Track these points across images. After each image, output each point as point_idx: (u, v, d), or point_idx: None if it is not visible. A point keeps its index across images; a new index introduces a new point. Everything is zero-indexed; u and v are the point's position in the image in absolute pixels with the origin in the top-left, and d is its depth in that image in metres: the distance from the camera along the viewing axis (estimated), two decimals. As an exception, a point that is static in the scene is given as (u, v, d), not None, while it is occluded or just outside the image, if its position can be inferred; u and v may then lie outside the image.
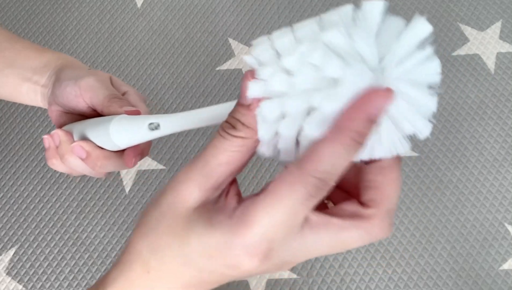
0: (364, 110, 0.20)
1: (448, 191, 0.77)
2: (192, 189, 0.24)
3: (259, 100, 0.23)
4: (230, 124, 0.23)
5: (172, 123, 0.33)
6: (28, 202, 0.79)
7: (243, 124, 0.23)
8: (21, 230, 0.77)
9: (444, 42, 0.87)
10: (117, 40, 0.90)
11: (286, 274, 0.73)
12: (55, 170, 0.81)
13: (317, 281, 0.72)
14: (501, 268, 0.72)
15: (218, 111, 0.30)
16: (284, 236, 0.22)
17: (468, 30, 0.88)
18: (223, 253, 0.22)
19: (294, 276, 0.73)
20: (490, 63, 0.85)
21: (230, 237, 0.22)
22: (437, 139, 0.80)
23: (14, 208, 0.79)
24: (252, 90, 0.22)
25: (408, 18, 0.21)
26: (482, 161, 0.78)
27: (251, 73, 0.23)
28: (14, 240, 0.77)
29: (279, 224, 0.22)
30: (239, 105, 0.23)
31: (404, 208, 0.76)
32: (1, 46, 0.44)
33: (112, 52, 0.90)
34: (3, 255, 0.76)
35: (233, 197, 0.24)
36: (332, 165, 0.21)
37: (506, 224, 0.74)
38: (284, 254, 0.22)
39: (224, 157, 0.23)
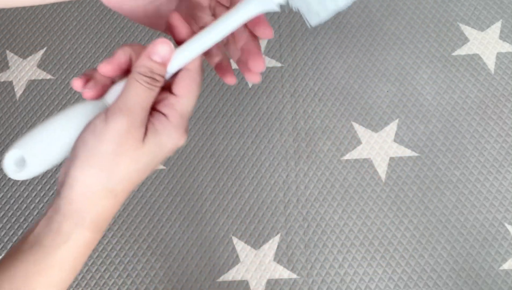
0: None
1: (448, 191, 0.77)
2: (129, 134, 0.31)
3: (169, 57, 0.32)
4: (150, 77, 0.31)
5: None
6: (28, 202, 0.79)
7: (161, 75, 0.32)
8: (21, 230, 0.77)
9: (444, 42, 0.87)
10: (117, 40, 0.90)
11: (286, 274, 0.73)
12: (55, 170, 0.81)
13: (317, 281, 0.72)
14: (501, 268, 0.72)
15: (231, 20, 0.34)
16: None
17: (468, 30, 0.88)
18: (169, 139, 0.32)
19: (294, 276, 0.73)
20: (490, 63, 0.85)
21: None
22: (437, 139, 0.80)
23: (14, 208, 0.79)
24: (164, 51, 0.32)
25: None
26: (482, 161, 0.78)
27: (164, 41, 0.31)
28: (14, 240, 0.77)
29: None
30: (154, 62, 0.31)
31: (404, 208, 0.76)
32: None
33: (112, 52, 0.90)
34: (3, 255, 0.76)
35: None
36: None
37: (506, 224, 0.74)
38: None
39: (148, 103, 0.31)
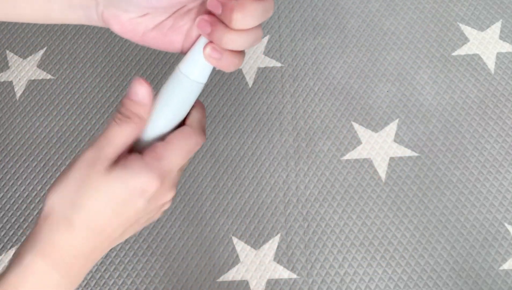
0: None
1: (448, 191, 0.77)
2: (102, 160, 0.31)
3: (149, 96, 0.31)
4: (120, 113, 0.31)
5: None
6: (28, 202, 0.79)
7: (133, 113, 0.31)
8: (21, 230, 0.77)
9: (444, 42, 0.87)
10: (117, 40, 0.90)
11: (286, 274, 0.73)
12: (55, 170, 0.81)
13: (317, 281, 0.72)
14: (501, 268, 0.72)
15: None
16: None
17: (468, 30, 0.88)
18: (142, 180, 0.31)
19: (294, 276, 0.73)
20: (490, 63, 0.85)
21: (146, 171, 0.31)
22: (437, 139, 0.80)
23: (14, 208, 0.79)
24: (142, 91, 0.32)
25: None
26: (482, 161, 0.78)
27: (140, 80, 0.31)
28: (14, 240, 0.77)
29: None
30: (129, 100, 0.31)
31: (404, 208, 0.76)
32: None
33: (112, 52, 0.90)
34: (3, 255, 0.76)
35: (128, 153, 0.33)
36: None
37: (506, 224, 0.74)
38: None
39: (116, 138, 0.31)
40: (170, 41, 0.34)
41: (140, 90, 0.31)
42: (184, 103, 0.33)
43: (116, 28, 0.33)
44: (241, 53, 0.32)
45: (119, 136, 0.31)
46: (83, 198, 0.30)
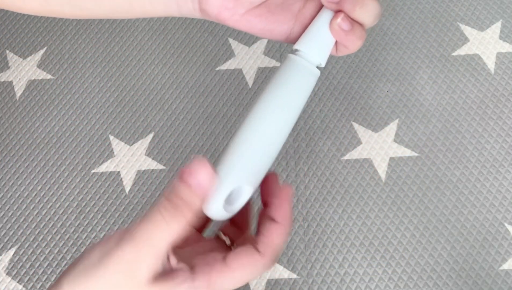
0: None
1: (448, 191, 0.77)
2: (143, 270, 0.25)
3: (210, 181, 0.24)
4: (172, 205, 0.25)
5: None
6: (28, 202, 0.79)
7: (189, 206, 0.25)
8: (21, 230, 0.77)
9: (444, 42, 0.87)
10: (117, 40, 0.90)
11: (286, 274, 0.73)
12: (55, 170, 0.81)
13: (317, 281, 0.72)
14: (501, 268, 0.72)
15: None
16: None
17: (468, 30, 0.88)
18: None
19: (294, 276, 0.73)
20: (490, 63, 0.85)
21: None
22: (437, 139, 0.80)
23: (14, 208, 0.79)
24: (204, 175, 0.24)
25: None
26: (482, 161, 0.78)
27: (202, 161, 0.25)
28: (14, 240, 0.77)
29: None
30: (184, 184, 0.24)
31: (404, 208, 0.76)
32: None
33: (112, 52, 0.90)
34: (3, 255, 0.76)
35: (176, 261, 0.27)
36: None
37: (506, 224, 0.74)
38: None
39: (171, 237, 0.25)
40: (278, 22, 0.28)
41: (201, 173, 0.24)
42: (300, 95, 0.27)
43: (215, 7, 0.27)
44: (365, 30, 0.28)
45: (165, 236, 0.25)
46: None
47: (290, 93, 0.26)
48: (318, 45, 0.27)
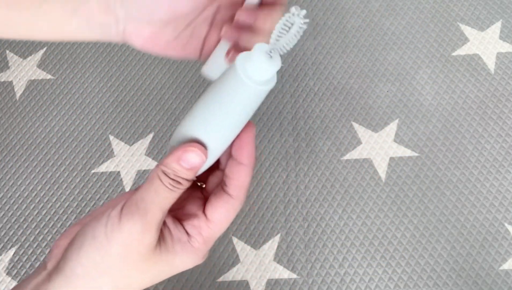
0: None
1: (448, 191, 0.77)
2: (152, 237, 0.29)
3: (199, 166, 0.30)
4: (174, 180, 0.29)
5: None
6: (28, 202, 0.79)
7: (187, 180, 0.30)
8: (21, 230, 0.77)
9: (444, 42, 0.87)
10: (117, 40, 0.90)
11: (286, 274, 0.73)
12: (55, 170, 0.81)
13: (317, 281, 0.72)
14: (501, 268, 0.72)
15: None
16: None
17: (468, 30, 0.88)
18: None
19: (294, 276, 0.73)
20: (490, 63, 0.85)
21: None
22: (437, 139, 0.80)
23: (14, 208, 0.79)
24: (195, 160, 0.30)
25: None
26: (482, 161, 0.78)
27: (192, 148, 0.29)
28: (14, 240, 0.77)
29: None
30: (182, 167, 0.29)
31: (404, 208, 0.76)
32: None
33: (112, 52, 0.90)
34: (3, 255, 0.76)
35: (174, 227, 0.32)
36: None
37: (506, 224, 0.74)
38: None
39: (168, 203, 0.29)
40: (190, 50, 0.34)
41: (195, 160, 0.29)
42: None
43: (138, 43, 0.32)
44: None
45: (170, 200, 0.29)
46: (126, 278, 0.29)
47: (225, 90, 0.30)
48: (218, 72, 0.32)
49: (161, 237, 0.30)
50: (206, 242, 0.31)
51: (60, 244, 0.31)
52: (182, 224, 0.31)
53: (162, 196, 0.29)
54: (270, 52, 0.28)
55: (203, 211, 0.32)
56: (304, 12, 0.26)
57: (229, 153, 0.33)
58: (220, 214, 0.31)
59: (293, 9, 0.26)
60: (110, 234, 0.28)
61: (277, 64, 0.28)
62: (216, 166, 0.35)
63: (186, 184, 0.30)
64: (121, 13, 0.31)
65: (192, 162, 0.29)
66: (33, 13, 0.32)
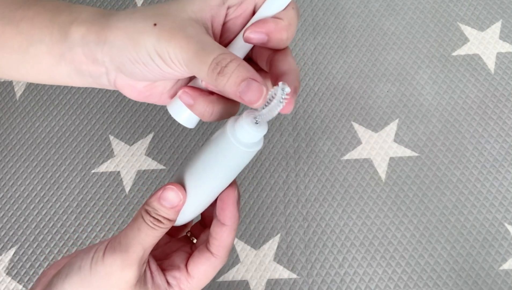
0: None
1: (448, 191, 0.77)
2: (133, 272, 0.30)
3: (179, 205, 0.31)
4: (155, 219, 0.30)
5: None
6: (28, 202, 0.79)
7: (168, 219, 0.31)
8: (21, 230, 0.77)
9: (444, 42, 0.87)
10: (117, 40, 0.90)
11: (286, 274, 0.73)
12: (55, 170, 0.81)
13: (317, 281, 0.72)
14: (501, 268, 0.72)
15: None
16: None
17: (468, 30, 0.88)
18: None
19: (294, 276, 0.73)
20: (490, 63, 0.85)
21: None
22: (437, 139, 0.80)
23: (14, 208, 0.79)
24: (173, 198, 0.31)
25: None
26: (482, 161, 0.78)
27: (171, 187, 0.31)
28: (14, 240, 0.77)
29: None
30: (163, 206, 0.31)
31: (404, 208, 0.76)
32: (15, 16, 0.31)
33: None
34: (3, 255, 0.76)
35: (156, 273, 0.33)
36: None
37: (506, 224, 0.74)
38: None
39: (149, 241, 0.31)
40: (160, 98, 0.34)
41: (173, 198, 0.31)
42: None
43: (133, 95, 0.32)
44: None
45: (152, 239, 0.31)
46: None
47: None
48: (176, 110, 0.33)
49: (143, 278, 0.31)
50: None
51: (48, 273, 0.32)
52: (164, 273, 0.33)
53: (144, 234, 0.30)
54: (257, 118, 0.30)
55: (186, 265, 0.33)
56: (288, 89, 0.28)
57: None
58: (200, 270, 0.32)
59: (280, 84, 0.28)
60: (94, 266, 0.30)
61: (263, 129, 0.31)
62: (209, 224, 0.36)
63: (168, 224, 0.31)
64: (111, 66, 0.30)
65: (171, 200, 0.30)
66: (21, 57, 0.31)
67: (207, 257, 0.33)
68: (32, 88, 0.88)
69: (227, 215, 0.33)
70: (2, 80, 0.88)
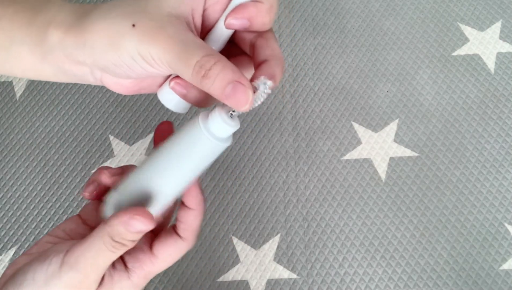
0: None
1: (448, 191, 0.77)
2: (90, 288, 0.30)
3: (146, 231, 0.30)
4: (119, 243, 0.29)
5: None
6: (28, 202, 0.79)
7: (133, 241, 0.30)
8: (21, 230, 0.77)
9: (444, 42, 0.87)
10: (117, 40, 0.90)
11: (286, 274, 0.73)
12: (55, 170, 0.81)
13: (317, 281, 0.72)
14: (501, 268, 0.72)
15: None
16: None
17: (468, 30, 0.88)
18: None
19: (294, 276, 0.73)
20: (490, 63, 0.85)
21: None
22: (437, 139, 0.80)
23: (14, 208, 0.79)
24: (142, 228, 0.30)
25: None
26: (482, 161, 0.78)
27: (137, 217, 0.30)
28: (14, 240, 0.77)
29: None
30: (127, 231, 0.29)
31: (404, 208, 0.76)
32: None
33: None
34: (3, 255, 0.76)
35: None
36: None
37: (506, 224, 0.74)
38: None
39: (108, 262, 0.30)
40: (150, 89, 0.34)
41: (141, 227, 0.29)
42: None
43: (121, 91, 0.32)
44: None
45: (110, 261, 0.30)
46: None
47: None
48: (166, 97, 0.32)
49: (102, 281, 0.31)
50: (147, 276, 0.31)
51: (6, 273, 0.32)
52: (123, 258, 0.32)
53: (103, 258, 0.29)
54: (232, 112, 0.29)
55: (150, 246, 0.33)
56: (270, 83, 0.28)
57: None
58: (166, 252, 0.32)
59: (262, 78, 0.28)
60: (50, 280, 0.29)
61: (236, 124, 0.30)
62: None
63: (131, 245, 0.30)
64: (94, 67, 0.30)
65: (139, 228, 0.29)
66: (5, 53, 0.31)
67: (174, 239, 0.33)
68: (32, 88, 0.88)
69: (192, 199, 0.33)
70: (2, 80, 0.88)
